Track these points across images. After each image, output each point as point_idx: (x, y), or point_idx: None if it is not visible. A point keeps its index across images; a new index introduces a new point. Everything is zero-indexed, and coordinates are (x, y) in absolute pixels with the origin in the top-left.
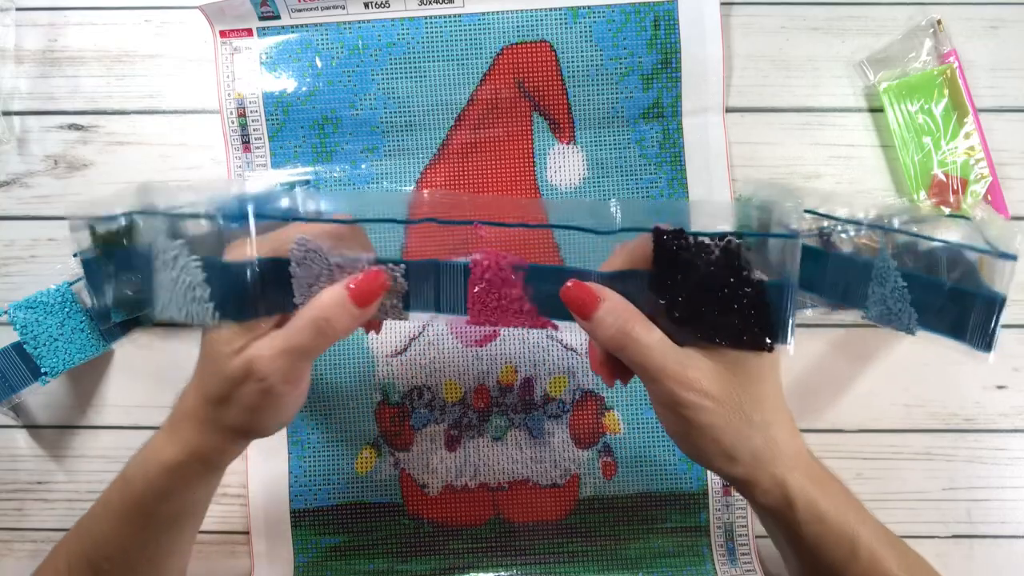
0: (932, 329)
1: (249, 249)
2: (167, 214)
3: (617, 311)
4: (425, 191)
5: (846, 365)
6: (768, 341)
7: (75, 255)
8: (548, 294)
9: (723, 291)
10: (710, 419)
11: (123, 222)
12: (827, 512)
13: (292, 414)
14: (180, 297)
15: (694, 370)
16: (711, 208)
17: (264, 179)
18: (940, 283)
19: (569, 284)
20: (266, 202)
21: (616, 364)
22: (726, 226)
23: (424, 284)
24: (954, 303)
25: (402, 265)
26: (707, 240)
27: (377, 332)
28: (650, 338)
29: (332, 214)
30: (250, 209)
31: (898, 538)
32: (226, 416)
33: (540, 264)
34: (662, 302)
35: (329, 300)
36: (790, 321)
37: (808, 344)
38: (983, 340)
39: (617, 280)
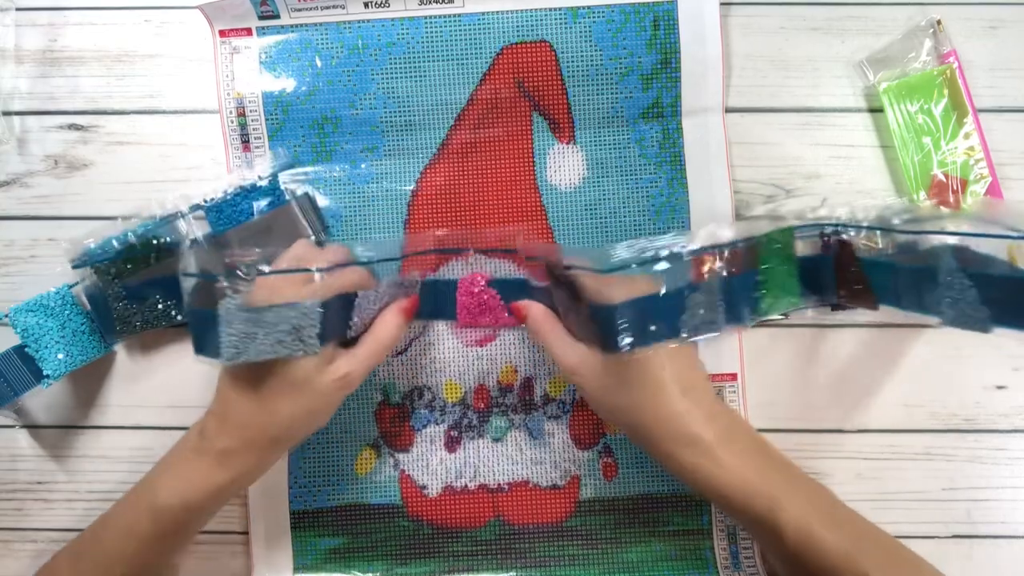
0: (1007, 324)
1: (322, 290)
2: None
3: (537, 320)
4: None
5: (846, 365)
6: (609, 347)
7: (70, 286)
8: (510, 299)
9: (577, 311)
10: (588, 384)
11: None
12: (734, 486)
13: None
14: (278, 336)
15: (572, 354)
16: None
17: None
18: (1000, 276)
19: (515, 305)
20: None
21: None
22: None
23: (425, 298)
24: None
25: (416, 291)
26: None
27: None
28: (555, 338)
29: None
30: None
31: (844, 510)
32: (302, 426)
33: (503, 277)
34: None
35: (392, 321)
36: (618, 332)
37: (808, 344)
38: None
39: (546, 290)
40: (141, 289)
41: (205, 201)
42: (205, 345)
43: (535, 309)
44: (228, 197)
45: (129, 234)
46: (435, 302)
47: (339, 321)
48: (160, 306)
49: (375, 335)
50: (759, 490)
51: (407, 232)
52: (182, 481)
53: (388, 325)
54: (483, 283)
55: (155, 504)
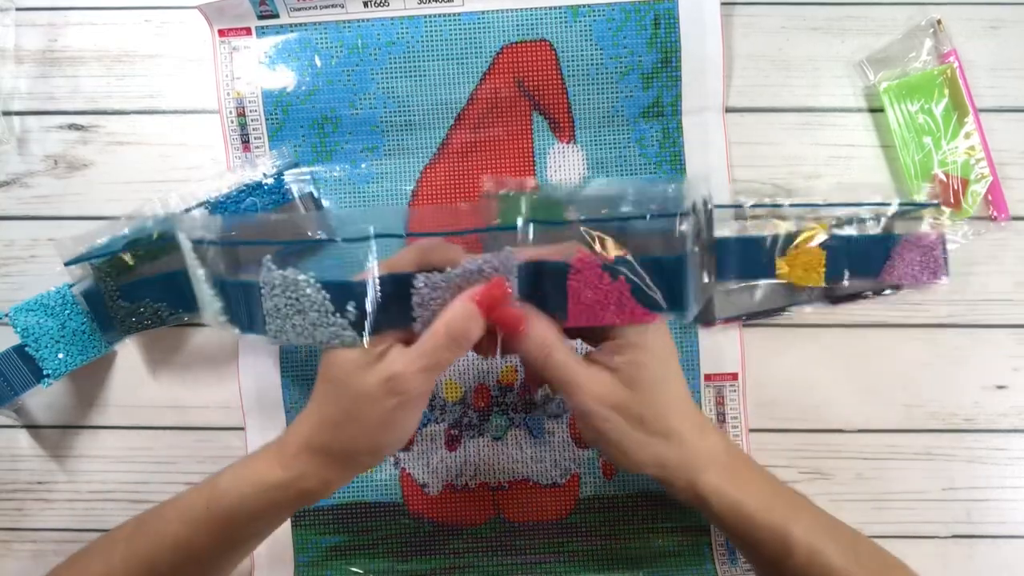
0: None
1: (373, 269)
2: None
3: (536, 336)
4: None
5: (846, 365)
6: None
7: (70, 285)
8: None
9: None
10: (612, 427)
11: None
12: (748, 507)
13: (411, 433)
14: (310, 323)
15: (598, 384)
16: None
17: (258, 169)
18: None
19: (501, 311)
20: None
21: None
22: None
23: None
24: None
25: (514, 276)
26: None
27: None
28: (564, 356)
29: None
30: (371, 230)
31: (844, 527)
32: (351, 437)
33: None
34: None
35: (462, 313)
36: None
37: (808, 344)
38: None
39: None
40: (135, 289)
41: (209, 199)
42: (250, 320)
43: (539, 324)
44: (232, 195)
45: (126, 231)
46: (530, 291)
47: (396, 309)
48: (153, 307)
49: (434, 329)
50: (773, 508)
51: (411, 210)
52: (241, 474)
53: (455, 317)
54: (599, 267)
55: (214, 492)
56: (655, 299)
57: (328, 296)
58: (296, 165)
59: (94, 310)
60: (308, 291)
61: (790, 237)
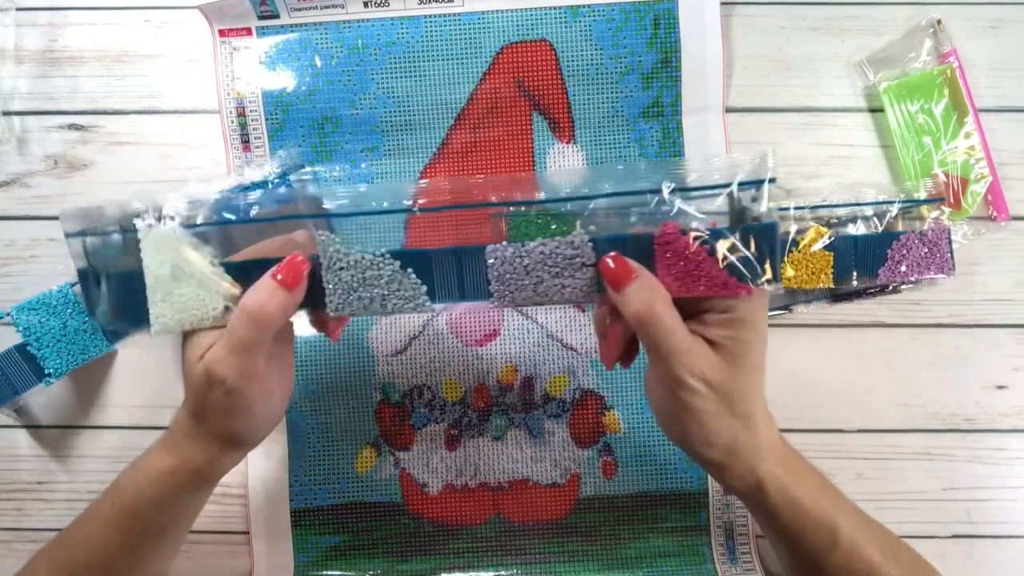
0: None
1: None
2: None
3: (647, 288)
4: (429, 180)
5: (846, 365)
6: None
7: (72, 284)
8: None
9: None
10: (703, 404)
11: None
12: (802, 499)
13: (268, 417)
14: (380, 294)
15: (701, 358)
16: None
17: (263, 170)
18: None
19: (609, 259)
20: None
21: (628, 348)
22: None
23: (447, 272)
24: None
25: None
26: None
27: (333, 337)
28: (672, 320)
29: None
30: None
31: (879, 525)
32: (206, 426)
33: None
34: None
35: (259, 290)
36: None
37: (808, 344)
38: None
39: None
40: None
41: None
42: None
43: (647, 279)
44: (235, 195)
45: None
46: (459, 277)
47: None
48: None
49: (236, 312)
50: (822, 500)
51: (407, 231)
52: (136, 467)
53: (251, 294)
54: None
55: (115, 489)
56: (755, 268)
57: (401, 266)
58: (302, 166)
59: (87, 294)
60: (384, 266)
61: (793, 241)
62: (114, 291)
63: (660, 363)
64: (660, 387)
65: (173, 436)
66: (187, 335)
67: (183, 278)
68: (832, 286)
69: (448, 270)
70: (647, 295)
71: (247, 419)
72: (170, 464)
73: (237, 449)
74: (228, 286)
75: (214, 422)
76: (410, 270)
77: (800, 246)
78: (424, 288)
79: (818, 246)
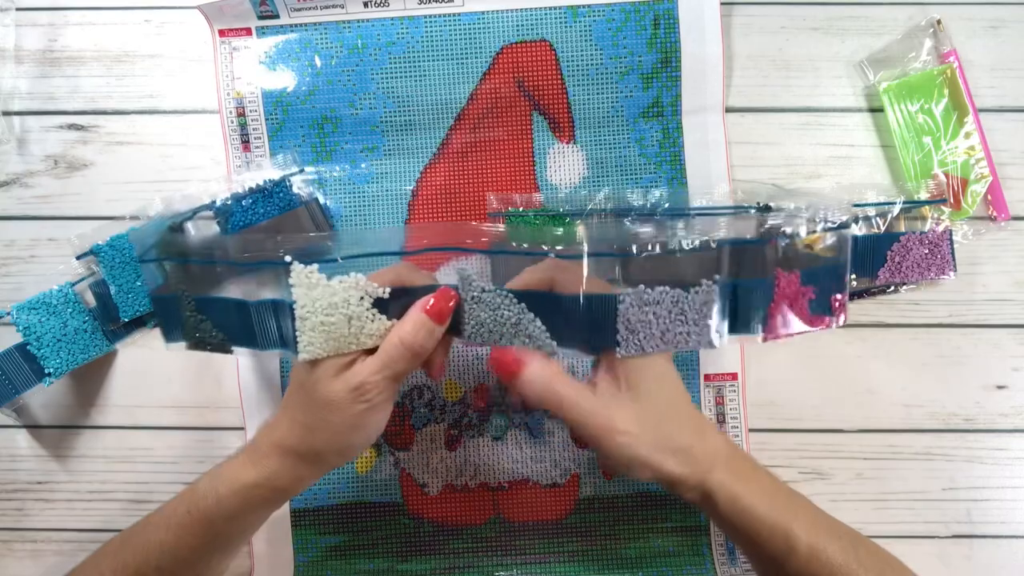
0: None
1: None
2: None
3: (539, 369)
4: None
5: (846, 365)
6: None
7: (73, 283)
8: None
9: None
10: (634, 451)
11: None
12: (753, 506)
13: (375, 435)
14: (510, 332)
15: (617, 414)
16: None
17: (263, 173)
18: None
19: (496, 353)
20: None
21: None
22: None
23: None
24: None
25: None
26: None
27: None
28: (571, 391)
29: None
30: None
31: (842, 526)
32: (320, 440)
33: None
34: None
35: (415, 324)
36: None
37: (808, 344)
38: None
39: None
40: (207, 305)
41: (214, 202)
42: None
43: (537, 364)
44: (239, 199)
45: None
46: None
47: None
48: (211, 330)
49: (391, 340)
50: (775, 505)
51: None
52: (217, 477)
53: (408, 329)
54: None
55: (193, 496)
56: (829, 303)
57: (525, 307)
58: (303, 171)
59: (101, 305)
60: (508, 306)
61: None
62: (219, 315)
63: (579, 429)
64: (587, 444)
65: (261, 450)
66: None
67: (334, 312)
68: None
69: (574, 316)
70: (540, 376)
71: (363, 437)
72: (255, 478)
73: (325, 468)
74: (383, 323)
75: (330, 436)
76: (536, 319)
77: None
78: (548, 335)
79: (820, 246)
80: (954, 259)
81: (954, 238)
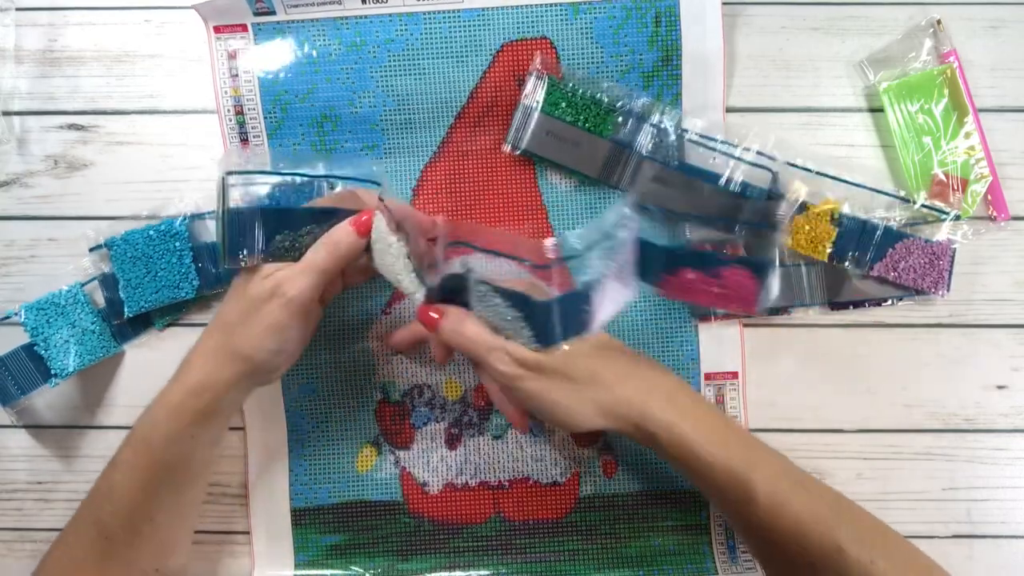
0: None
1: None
2: None
3: (451, 319)
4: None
5: (846, 365)
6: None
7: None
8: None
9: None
10: (536, 385)
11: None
12: (700, 444)
13: (291, 354)
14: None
15: (511, 349)
16: None
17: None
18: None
19: (418, 308)
20: None
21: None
22: None
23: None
24: None
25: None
26: None
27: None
28: (479, 332)
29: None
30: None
31: (812, 480)
32: (238, 339)
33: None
34: None
35: (337, 229)
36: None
37: (808, 344)
38: None
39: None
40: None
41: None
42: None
43: (451, 313)
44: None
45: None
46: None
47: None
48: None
49: (316, 243)
50: (728, 444)
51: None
52: (151, 404)
53: (333, 232)
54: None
55: (133, 433)
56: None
57: (510, 303)
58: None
59: (109, 304)
60: (497, 299)
61: (803, 205)
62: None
63: (482, 365)
64: (500, 391)
65: (185, 362)
66: (250, 268)
67: (387, 253)
68: (826, 260)
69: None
70: (455, 323)
71: (281, 341)
72: (178, 392)
73: (252, 377)
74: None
75: (251, 336)
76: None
77: (809, 209)
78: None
79: (827, 217)
80: (950, 279)
81: (955, 238)
